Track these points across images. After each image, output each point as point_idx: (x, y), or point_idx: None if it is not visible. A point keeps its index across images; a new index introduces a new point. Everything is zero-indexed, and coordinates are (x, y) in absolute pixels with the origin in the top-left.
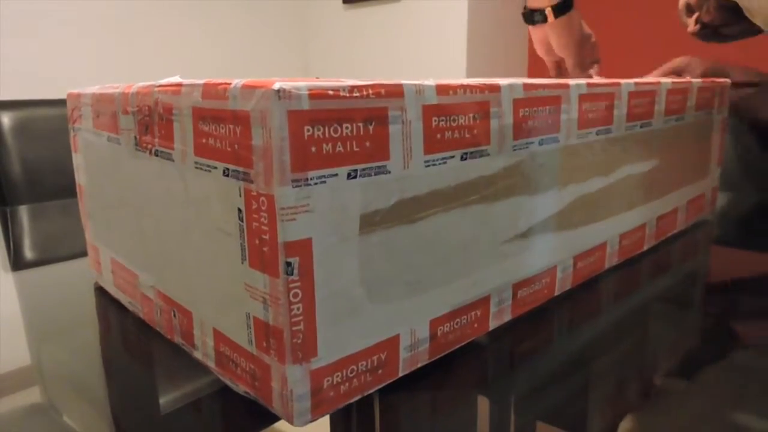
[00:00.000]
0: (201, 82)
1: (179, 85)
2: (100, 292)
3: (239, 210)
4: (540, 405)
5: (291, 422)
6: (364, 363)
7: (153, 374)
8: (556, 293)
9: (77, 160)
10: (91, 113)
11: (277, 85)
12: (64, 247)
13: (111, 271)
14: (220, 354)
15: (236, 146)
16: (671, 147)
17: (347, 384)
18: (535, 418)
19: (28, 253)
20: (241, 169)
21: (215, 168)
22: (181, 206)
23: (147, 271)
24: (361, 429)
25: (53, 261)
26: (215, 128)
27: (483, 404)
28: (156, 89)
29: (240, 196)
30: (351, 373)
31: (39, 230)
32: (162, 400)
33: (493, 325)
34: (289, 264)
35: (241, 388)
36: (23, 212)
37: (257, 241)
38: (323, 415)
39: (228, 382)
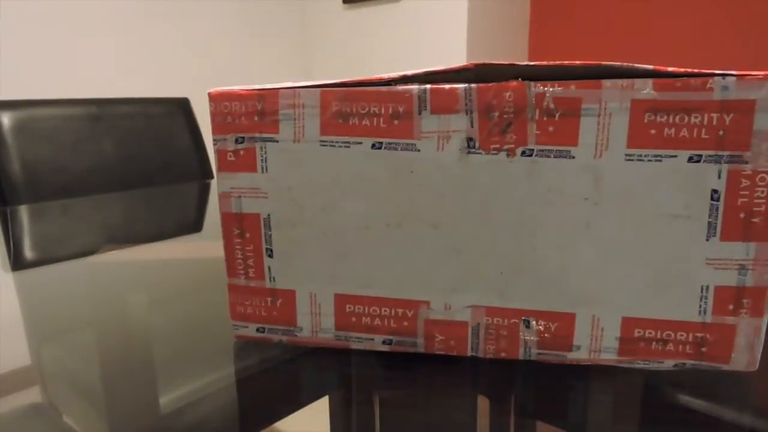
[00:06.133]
0: (647, 79)
1: (592, 84)
2: (260, 349)
3: (713, 191)
4: (540, 405)
5: (752, 368)
6: None
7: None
8: None
9: (255, 181)
10: (320, 117)
11: None
12: (64, 247)
13: (332, 315)
14: (631, 341)
15: (722, 133)
16: None
17: None
18: (535, 418)
19: (28, 253)
20: (726, 153)
21: (672, 156)
22: (571, 204)
23: (457, 293)
24: (361, 429)
25: (53, 261)
26: (677, 119)
27: (483, 404)
28: (537, 85)
29: (719, 177)
30: None
31: (39, 230)
32: (162, 400)
33: None
34: None
35: (667, 363)
36: (23, 212)
37: (742, 215)
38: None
39: (639, 365)
